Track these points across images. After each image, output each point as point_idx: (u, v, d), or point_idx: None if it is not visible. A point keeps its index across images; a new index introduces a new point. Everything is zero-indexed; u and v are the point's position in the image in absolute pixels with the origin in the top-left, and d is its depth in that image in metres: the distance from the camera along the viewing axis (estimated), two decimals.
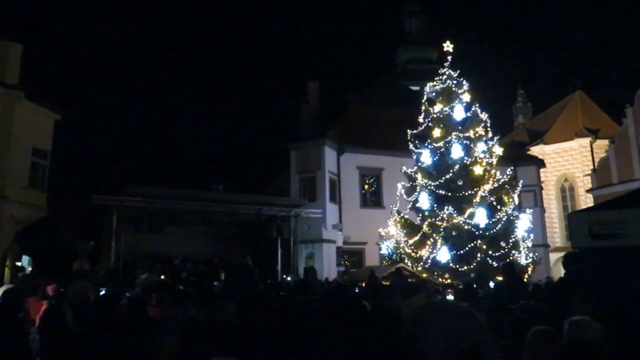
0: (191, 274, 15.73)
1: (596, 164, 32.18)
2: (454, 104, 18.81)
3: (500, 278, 9.42)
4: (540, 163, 28.81)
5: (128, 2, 79.21)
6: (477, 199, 17.37)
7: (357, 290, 8.60)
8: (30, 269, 18.71)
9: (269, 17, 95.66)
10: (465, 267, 16.21)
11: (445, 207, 17.07)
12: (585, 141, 35.05)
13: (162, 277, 14.32)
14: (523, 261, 17.29)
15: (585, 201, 31.33)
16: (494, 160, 18.91)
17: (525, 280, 16.18)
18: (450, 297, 7.33)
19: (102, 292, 7.38)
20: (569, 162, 35.53)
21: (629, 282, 4.62)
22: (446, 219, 16.95)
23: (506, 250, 16.83)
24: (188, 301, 5.01)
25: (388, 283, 12.58)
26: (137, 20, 77.35)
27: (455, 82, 19.32)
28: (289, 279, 16.76)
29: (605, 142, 32.51)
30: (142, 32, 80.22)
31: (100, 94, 63.51)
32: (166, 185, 19.84)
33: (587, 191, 31.56)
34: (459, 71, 19.66)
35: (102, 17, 74.03)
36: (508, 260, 15.69)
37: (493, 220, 17.06)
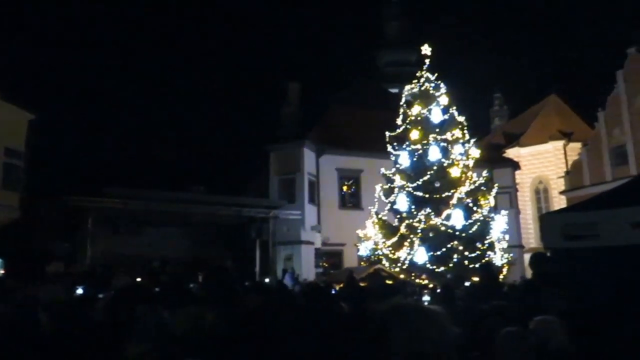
0: (169, 276, 15.57)
1: (569, 167, 32.94)
2: (431, 107, 19.04)
3: (476, 278, 9.58)
4: (516, 165, 29.33)
5: (104, 3, 78.04)
6: (454, 200, 17.62)
7: (333, 292, 8.64)
8: (2, 271, 18.27)
9: (249, 18, 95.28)
10: (442, 268, 16.41)
11: (423, 209, 17.27)
12: (559, 144, 35.83)
13: (139, 279, 14.16)
14: (498, 262, 17.59)
15: (559, 203, 32.00)
16: (471, 163, 19.20)
17: (500, 280, 16.53)
18: (426, 298, 7.44)
19: (79, 293, 7.29)
20: (544, 164, 36.26)
21: (600, 282, 4.76)
22: (423, 220, 17.14)
23: (482, 251, 17.10)
24: (164, 304, 4.98)
25: (366, 284, 12.65)
26: (116, 19, 76.23)
27: (433, 84, 19.56)
28: (267, 280, 16.73)
29: (579, 145, 33.30)
30: (121, 31, 79.06)
31: (77, 93, 62.39)
32: (145, 187, 19.62)
33: (561, 193, 32.28)
34: (436, 74, 19.93)
35: (80, 17, 72.81)
36: (484, 261, 15.95)
37: (469, 221, 17.32)
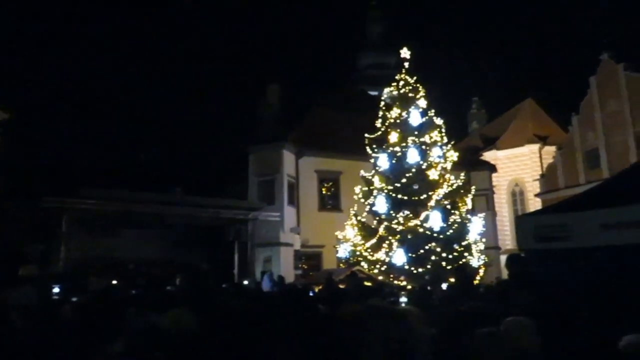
0: (146, 278, 15.38)
1: (544, 169, 33.58)
2: (410, 110, 19.20)
3: (453, 280, 9.68)
4: (493, 168, 29.74)
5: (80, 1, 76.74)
6: (432, 202, 17.78)
7: (310, 294, 8.64)
8: None
9: (229, 18, 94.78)
10: (420, 270, 16.55)
11: (402, 211, 17.39)
12: (535, 147, 36.48)
13: (115, 281, 13.95)
14: (475, 263, 17.80)
15: (534, 205, 32.56)
16: (449, 165, 19.40)
17: (477, 281, 16.74)
18: (403, 299, 7.51)
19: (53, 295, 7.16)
20: (520, 167, 36.85)
21: (571, 282, 4.87)
22: (402, 222, 17.26)
23: (459, 252, 17.29)
24: (140, 307, 4.92)
25: (344, 286, 12.67)
26: (94, 19, 75.04)
27: (412, 87, 19.74)
28: (246, 282, 16.64)
29: (554, 148, 33.96)
30: (99, 31, 77.86)
31: (53, 93, 61.16)
32: (121, 188, 19.33)
33: (536, 195, 32.86)
34: (415, 77, 20.11)
35: (58, 14, 71.44)
36: (461, 262, 16.16)
37: (447, 223, 17.50)
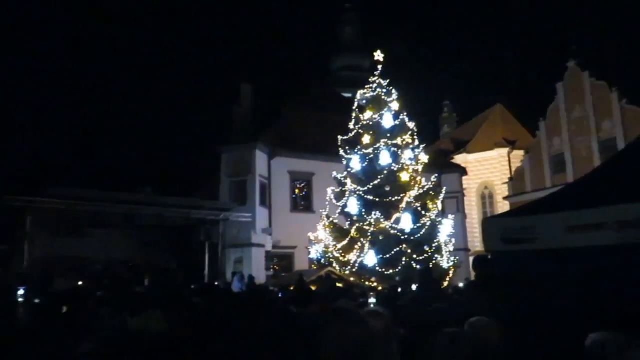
0: (113, 279, 15.04)
1: (513, 173, 34.34)
2: (383, 112, 19.33)
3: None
4: (463, 171, 30.22)
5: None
6: (403, 204, 17.93)
7: (280, 295, 8.61)
8: None
9: (203, 18, 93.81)
10: (391, 271, 16.67)
11: (373, 212, 17.48)
12: (504, 151, 37.28)
13: (81, 283, 13.59)
14: (445, 265, 18.03)
15: (503, 207, 33.24)
16: (420, 168, 19.60)
17: (446, 283, 16.96)
18: (373, 300, 7.55)
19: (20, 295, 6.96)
20: (489, 170, 37.61)
21: (536, 284, 4.96)
22: (374, 223, 17.35)
23: (430, 254, 17.48)
24: (107, 308, 4.81)
25: (315, 287, 12.67)
26: (66, 17, 73.15)
27: (385, 90, 19.87)
28: (216, 283, 16.46)
29: (522, 152, 34.77)
30: (70, 28, 75.92)
31: (20, 89, 59.40)
32: (90, 187, 18.88)
33: (504, 198, 33.56)
34: (389, 80, 20.26)
35: (28, 13, 69.36)
36: (429, 264, 16.34)
37: (418, 225, 17.67)
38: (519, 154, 35.67)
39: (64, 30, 73.97)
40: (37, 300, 7.02)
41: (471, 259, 27.79)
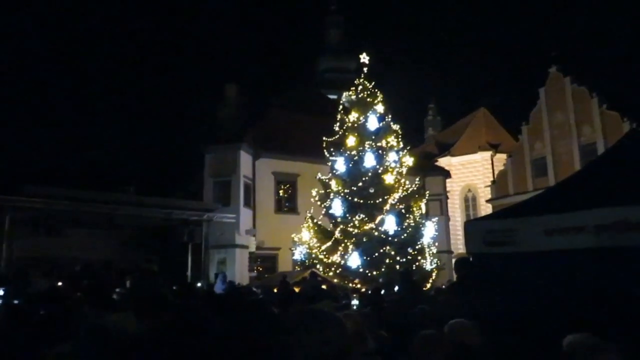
0: (92, 280, 14.81)
1: (496, 176, 34.71)
2: (368, 114, 19.39)
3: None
4: (447, 174, 30.45)
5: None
6: (387, 206, 18.01)
7: (261, 297, 8.58)
8: None
9: (188, 18, 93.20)
10: (375, 273, 16.72)
11: (357, 214, 17.52)
12: (487, 155, 37.67)
13: (60, 283, 13.37)
14: (428, 267, 18.14)
15: (486, 210, 33.55)
16: (404, 170, 19.70)
17: (429, 284, 17.08)
18: (355, 302, 7.56)
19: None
20: (473, 173, 37.97)
21: (515, 286, 5.02)
22: (357, 225, 17.39)
23: (413, 256, 17.57)
24: (85, 309, 4.74)
25: (299, 288, 12.66)
26: (48, 14, 72.05)
27: (370, 92, 19.94)
28: (199, 285, 16.33)
29: (505, 156, 35.16)
30: (53, 25, 74.83)
31: None
32: (71, 186, 18.57)
33: (487, 201, 33.90)
34: (374, 82, 20.33)
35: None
36: (412, 266, 16.43)
37: (402, 227, 17.74)
38: (501, 158, 36.06)
39: (44, 27, 72.87)
40: (16, 301, 6.90)
41: (454, 261, 28.08)
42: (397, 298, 6.33)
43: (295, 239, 18.94)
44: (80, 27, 77.77)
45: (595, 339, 2.49)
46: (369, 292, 11.17)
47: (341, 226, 17.96)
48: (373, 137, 19.02)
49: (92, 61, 73.49)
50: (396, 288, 11.04)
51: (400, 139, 19.89)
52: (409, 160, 20.05)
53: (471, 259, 5.86)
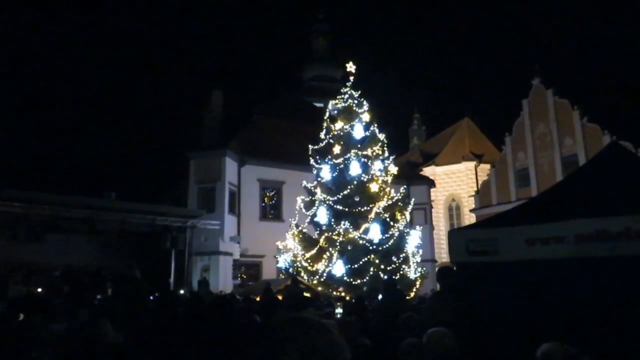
0: (73, 287, 14.57)
1: (479, 186, 35.07)
2: (354, 123, 19.46)
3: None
4: (431, 183, 30.67)
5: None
6: (372, 215, 18.03)
7: (242, 304, 8.52)
8: None
9: (174, 23, 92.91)
10: (359, 281, 16.70)
11: (342, 222, 17.51)
12: (471, 165, 38.07)
13: (40, 289, 13.15)
14: (412, 275, 18.17)
15: (470, 220, 33.85)
16: (389, 179, 19.76)
17: (412, 293, 17.11)
18: (339, 310, 7.55)
19: None
20: (457, 183, 38.32)
21: (497, 294, 5.07)
22: (342, 233, 17.38)
23: (397, 264, 17.59)
24: (63, 316, 4.67)
25: (282, 297, 12.58)
26: (37, 16, 71.19)
27: (356, 101, 20.02)
28: (182, 292, 16.15)
29: (488, 166, 35.58)
30: (40, 28, 73.95)
31: None
32: (51, 190, 18.28)
33: (471, 211, 34.21)
34: (360, 91, 20.44)
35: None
36: (396, 275, 16.45)
37: (386, 235, 17.77)
38: (485, 168, 36.48)
39: (32, 30, 72.01)
40: None
41: (437, 269, 28.24)
42: (380, 306, 6.34)
43: (280, 247, 18.87)
44: (65, 32, 77.06)
45: (569, 348, 2.52)
46: (353, 300, 11.17)
47: (326, 234, 17.93)
48: (359, 146, 19.07)
49: (75, 66, 72.75)
50: (380, 296, 11.06)
51: (385, 148, 19.96)
52: (394, 169, 20.09)
53: (455, 267, 5.90)
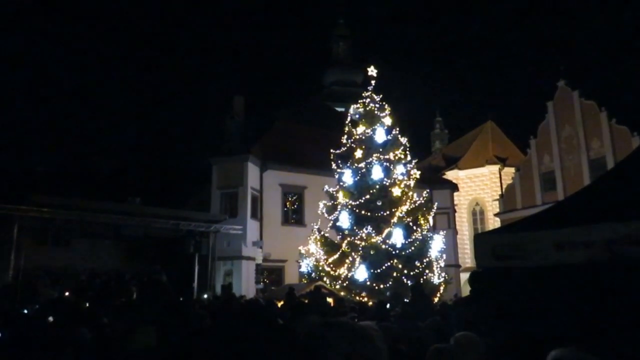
0: (98, 290, 14.83)
1: (504, 190, 34.54)
2: (376, 127, 19.40)
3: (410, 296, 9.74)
4: (454, 187, 30.35)
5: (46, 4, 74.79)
6: (395, 219, 17.91)
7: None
8: None
9: (197, 29, 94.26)
10: (382, 286, 16.59)
11: (364, 227, 17.44)
12: (495, 168, 37.54)
13: (67, 293, 13.39)
14: (435, 280, 17.97)
15: (494, 224, 33.37)
16: (412, 183, 19.61)
17: (436, 299, 16.91)
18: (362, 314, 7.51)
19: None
20: (480, 187, 37.81)
21: (525, 300, 4.97)
22: (365, 238, 17.30)
23: (420, 269, 17.42)
24: (92, 321, 4.72)
25: (306, 301, 12.57)
26: (58, 19, 73.14)
27: (377, 105, 19.96)
28: (205, 296, 16.31)
29: (512, 169, 35.02)
30: (65, 33, 75.90)
31: (6, 95, 59.04)
32: (78, 196, 18.69)
33: (495, 215, 33.71)
34: (381, 95, 20.37)
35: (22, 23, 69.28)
36: (421, 279, 16.28)
37: (409, 240, 17.63)
38: (509, 171, 35.92)
39: (53, 36, 73.87)
40: (25, 311, 6.92)
41: (462, 274, 27.89)
42: (406, 311, 6.26)
43: (302, 251, 18.88)
44: (91, 34, 78.83)
45: (582, 353, 2.43)
46: (374, 305, 11.08)
47: (348, 239, 17.88)
48: (380, 150, 19.00)
49: (100, 72, 74.33)
50: (405, 300, 10.95)
51: (407, 152, 19.84)
52: (416, 173, 19.95)
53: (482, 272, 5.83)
